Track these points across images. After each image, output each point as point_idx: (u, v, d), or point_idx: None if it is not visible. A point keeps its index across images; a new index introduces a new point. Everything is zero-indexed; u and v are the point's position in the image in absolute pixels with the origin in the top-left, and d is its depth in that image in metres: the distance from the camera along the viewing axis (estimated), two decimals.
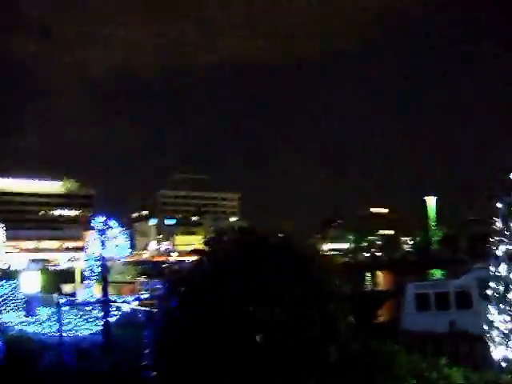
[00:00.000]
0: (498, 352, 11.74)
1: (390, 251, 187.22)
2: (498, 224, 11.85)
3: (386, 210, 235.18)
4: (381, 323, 30.21)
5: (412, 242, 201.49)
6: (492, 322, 11.85)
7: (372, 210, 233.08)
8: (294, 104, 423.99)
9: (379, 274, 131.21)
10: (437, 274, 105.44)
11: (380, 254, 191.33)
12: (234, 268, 11.87)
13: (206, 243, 13.22)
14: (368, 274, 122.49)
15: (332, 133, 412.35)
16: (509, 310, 11.66)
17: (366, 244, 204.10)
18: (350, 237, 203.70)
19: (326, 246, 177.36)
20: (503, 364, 11.58)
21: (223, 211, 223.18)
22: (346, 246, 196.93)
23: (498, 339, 11.71)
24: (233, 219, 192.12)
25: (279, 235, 12.84)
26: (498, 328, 11.67)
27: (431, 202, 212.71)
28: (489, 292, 12.35)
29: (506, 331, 11.55)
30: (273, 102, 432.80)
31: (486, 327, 12.30)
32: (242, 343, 10.97)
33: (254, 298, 11.33)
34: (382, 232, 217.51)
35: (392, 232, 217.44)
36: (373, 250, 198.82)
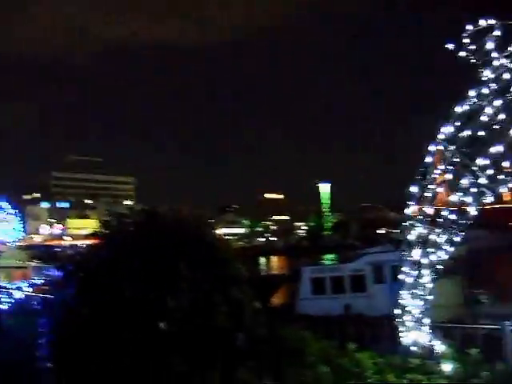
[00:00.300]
0: (409, 336, 11.89)
1: (284, 236, 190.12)
2: (412, 208, 11.89)
3: (281, 196, 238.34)
4: (276, 307, 30.37)
5: (306, 228, 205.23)
6: (404, 306, 11.96)
7: (266, 195, 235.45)
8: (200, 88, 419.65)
9: (273, 258, 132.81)
10: (328, 258, 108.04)
11: (275, 239, 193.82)
12: (134, 252, 11.48)
13: (103, 226, 12.71)
14: (262, 259, 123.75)
15: (226, 115, 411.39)
16: (421, 295, 11.75)
17: (260, 229, 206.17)
18: (245, 222, 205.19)
19: (221, 231, 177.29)
20: (413, 348, 11.76)
21: (117, 195, 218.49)
22: (241, 230, 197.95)
23: (410, 324, 11.83)
24: (127, 203, 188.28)
25: (181, 218, 12.56)
26: (410, 312, 11.78)
27: (325, 188, 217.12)
28: (401, 277, 12.45)
29: (419, 316, 11.68)
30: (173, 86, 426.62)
31: (396, 311, 12.40)
32: (143, 331, 10.64)
33: (157, 283, 11.00)
34: (276, 217, 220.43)
35: (287, 217, 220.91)
36: (267, 234, 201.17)
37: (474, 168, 10.75)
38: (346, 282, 29.19)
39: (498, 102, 10.46)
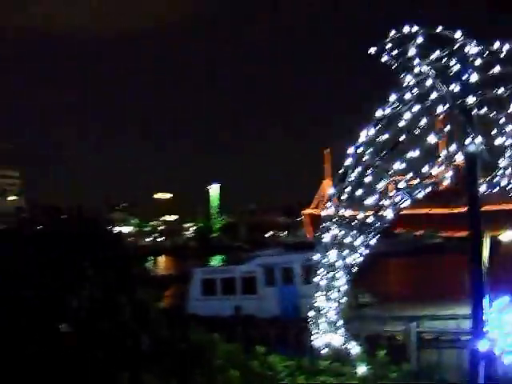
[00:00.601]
0: (322, 339, 11.75)
1: (172, 237, 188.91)
2: (330, 209, 11.70)
3: (170, 196, 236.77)
4: (165, 308, 29.94)
5: (194, 229, 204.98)
6: (319, 309, 11.79)
7: (156, 195, 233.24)
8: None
9: (160, 258, 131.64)
10: (217, 260, 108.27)
11: (163, 239, 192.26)
12: (34, 251, 10.66)
13: None
14: (150, 259, 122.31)
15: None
16: (336, 298, 11.62)
17: (148, 228, 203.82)
18: (133, 221, 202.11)
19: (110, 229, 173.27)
20: (324, 350, 11.61)
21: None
22: (128, 229, 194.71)
23: (324, 326, 11.68)
24: (11, 198, 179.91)
25: (85, 217, 11.84)
26: (324, 315, 11.61)
27: (215, 189, 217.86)
28: (316, 279, 12.30)
29: (334, 318, 11.53)
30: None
31: (310, 314, 12.22)
32: (43, 334, 9.84)
33: (59, 283, 10.25)
34: (165, 218, 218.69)
35: (175, 218, 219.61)
36: (155, 234, 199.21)
37: (391, 172, 10.74)
38: (237, 283, 29.19)
39: (416, 108, 10.46)
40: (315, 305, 11.97)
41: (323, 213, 12.04)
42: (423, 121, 10.22)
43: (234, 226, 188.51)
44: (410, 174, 10.58)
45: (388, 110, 10.72)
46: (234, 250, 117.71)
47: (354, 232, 11.49)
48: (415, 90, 10.33)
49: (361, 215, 11.40)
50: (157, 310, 11.57)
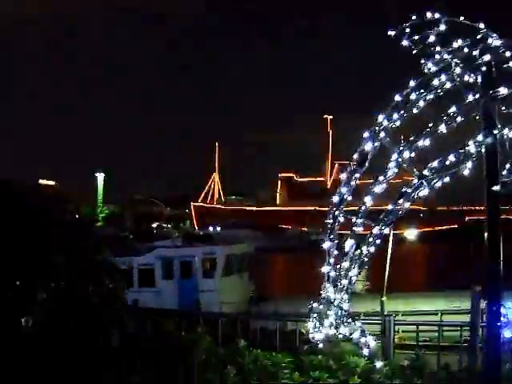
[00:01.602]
0: (323, 332, 11.28)
1: None
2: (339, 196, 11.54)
3: (53, 183, 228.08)
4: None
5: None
6: (329, 300, 11.36)
7: (41, 181, 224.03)
8: None
9: None
10: None
11: None
12: None
13: None
14: None
15: None
16: (347, 288, 11.41)
17: None
18: None
19: None
20: (322, 345, 11.26)
21: None
22: None
23: (332, 319, 11.24)
24: None
25: (43, 196, 10.36)
26: (337, 306, 11.24)
27: (100, 178, 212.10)
28: (323, 269, 11.90)
29: (347, 310, 11.27)
30: None
31: (313, 306, 11.67)
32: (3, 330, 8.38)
33: (12, 271, 8.81)
34: None
35: None
36: None
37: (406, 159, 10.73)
38: (134, 275, 27.97)
39: (430, 96, 10.51)
40: (323, 296, 11.36)
41: (334, 199, 11.81)
42: (453, 108, 10.17)
43: (119, 215, 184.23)
44: (436, 163, 10.48)
45: (413, 95, 10.66)
46: (120, 240, 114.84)
47: (369, 221, 11.39)
48: (441, 78, 10.31)
49: (368, 203, 11.37)
50: (124, 300, 10.56)
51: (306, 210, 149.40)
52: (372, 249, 11.30)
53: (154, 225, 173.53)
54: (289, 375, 11.14)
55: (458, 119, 10.22)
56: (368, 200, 11.38)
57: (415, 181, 10.72)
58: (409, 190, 10.84)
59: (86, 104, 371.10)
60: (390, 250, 21.70)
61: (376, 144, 10.93)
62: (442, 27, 10.25)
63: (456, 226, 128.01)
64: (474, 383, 10.24)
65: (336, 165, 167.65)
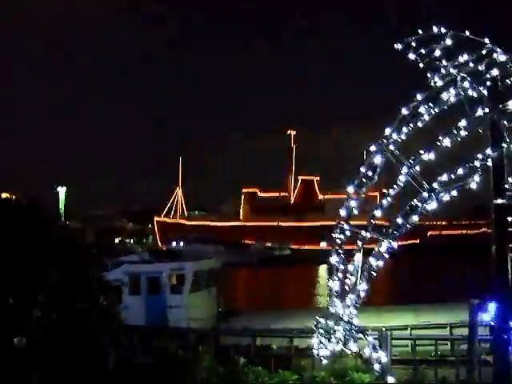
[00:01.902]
0: (329, 348, 11.05)
1: None
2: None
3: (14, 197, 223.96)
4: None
5: None
6: (338, 316, 11.15)
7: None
8: None
9: None
10: None
11: None
12: None
13: None
14: None
15: None
16: (355, 303, 11.23)
17: None
18: None
19: None
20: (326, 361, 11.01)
21: None
22: None
23: (340, 334, 11.02)
24: None
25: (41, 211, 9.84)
26: (346, 322, 11.01)
27: (62, 192, 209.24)
28: (331, 284, 11.71)
29: (356, 325, 11.04)
30: None
31: (320, 321, 11.36)
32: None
33: (16, 290, 8.32)
34: None
35: None
36: None
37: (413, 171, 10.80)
38: None
39: (437, 110, 10.85)
40: (331, 311, 11.22)
41: (342, 212, 11.83)
42: (462, 122, 10.30)
43: (80, 230, 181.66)
44: (445, 176, 10.53)
45: (423, 109, 10.69)
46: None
47: (378, 235, 11.43)
48: (451, 92, 10.31)
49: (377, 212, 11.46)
50: (120, 318, 10.12)
51: (269, 226, 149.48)
52: (381, 263, 11.19)
53: (117, 240, 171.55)
54: None
55: (462, 133, 10.25)
56: (378, 213, 11.56)
57: (425, 194, 10.67)
58: (419, 204, 10.78)
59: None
60: (360, 264, 21.69)
61: (383, 158, 10.92)
62: (448, 41, 10.32)
63: (418, 241, 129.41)
64: None
65: (300, 180, 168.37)
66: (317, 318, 11.51)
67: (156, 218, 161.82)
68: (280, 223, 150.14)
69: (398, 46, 10.83)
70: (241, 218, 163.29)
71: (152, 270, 28.08)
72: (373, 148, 11.19)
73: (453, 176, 10.41)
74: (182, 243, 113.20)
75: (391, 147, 11.02)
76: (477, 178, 10.23)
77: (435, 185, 10.64)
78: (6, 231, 9.28)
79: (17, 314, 8.76)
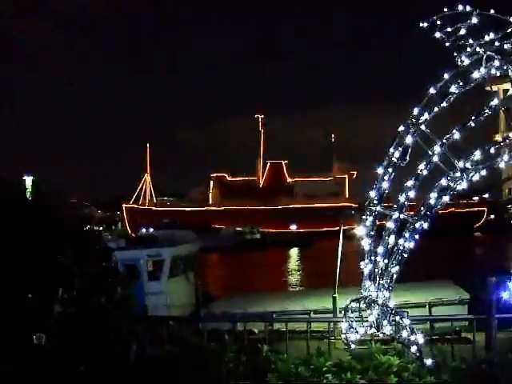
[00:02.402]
0: (359, 333, 10.93)
1: None
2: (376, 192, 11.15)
3: None
4: None
5: None
6: (371, 299, 10.99)
7: None
8: None
9: None
10: None
11: None
12: None
13: None
14: None
15: None
16: (389, 286, 11.07)
17: None
18: None
19: None
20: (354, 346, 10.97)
21: None
22: None
23: (372, 318, 10.95)
24: None
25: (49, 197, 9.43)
26: (382, 305, 10.88)
27: (28, 180, 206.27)
28: (362, 266, 11.58)
29: (392, 307, 10.90)
30: None
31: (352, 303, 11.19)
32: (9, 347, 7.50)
33: (22, 280, 7.94)
34: None
35: None
36: None
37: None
38: None
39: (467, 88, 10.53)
40: (364, 294, 10.99)
41: (371, 194, 11.36)
42: (494, 101, 9.99)
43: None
44: (478, 155, 10.32)
45: (453, 88, 10.63)
46: None
47: (410, 216, 11.03)
48: (481, 70, 10.11)
49: (402, 197, 10.96)
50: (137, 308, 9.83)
51: (239, 209, 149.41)
52: (411, 244, 10.99)
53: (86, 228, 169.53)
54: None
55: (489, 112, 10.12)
56: (411, 194, 11.06)
57: (457, 174, 10.53)
58: (451, 184, 10.64)
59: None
60: (340, 247, 21.61)
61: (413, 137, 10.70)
62: (474, 20, 10.21)
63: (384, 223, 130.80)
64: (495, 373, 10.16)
65: (268, 164, 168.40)
66: (347, 301, 11.30)
67: (124, 205, 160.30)
68: (249, 206, 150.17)
69: (424, 25, 10.69)
70: (210, 202, 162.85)
71: (129, 257, 27.58)
72: (401, 128, 10.93)
73: (481, 156, 10.32)
74: (151, 229, 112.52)
75: (422, 127, 10.80)
76: (506, 157, 10.16)
77: (468, 164, 10.44)
78: (21, 222, 8.88)
79: (36, 310, 8.42)
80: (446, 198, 10.77)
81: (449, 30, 10.57)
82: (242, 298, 28.22)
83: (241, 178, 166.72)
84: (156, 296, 25.82)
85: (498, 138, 10.44)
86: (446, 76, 10.71)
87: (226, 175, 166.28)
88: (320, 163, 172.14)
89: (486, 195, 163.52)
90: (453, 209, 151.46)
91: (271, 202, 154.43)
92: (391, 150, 11.18)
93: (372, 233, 11.46)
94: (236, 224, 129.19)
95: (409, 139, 10.88)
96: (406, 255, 11.06)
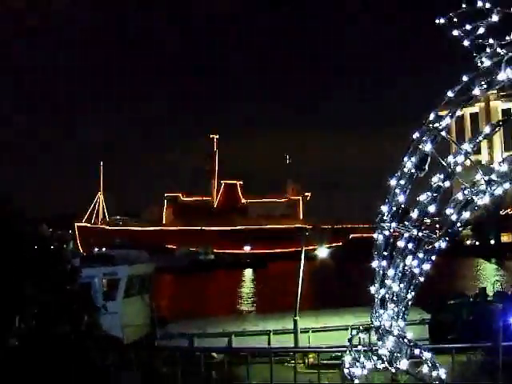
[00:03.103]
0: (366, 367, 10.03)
1: None
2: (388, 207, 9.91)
3: None
4: None
5: None
6: (383, 328, 9.91)
7: None
8: None
9: None
10: None
11: None
12: None
13: None
14: None
15: None
16: (403, 313, 9.88)
17: None
18: None
19: None
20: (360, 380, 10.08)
21: None
22: None
23: (384, 351, 9.91)
24: None
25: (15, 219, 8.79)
26: (398, 336, 9.74)
27: None
28: (373, 290, 10.15)
29: (410, 339, 9.87)
30: None
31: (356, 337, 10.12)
32: None
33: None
34: None
35: None
36: None
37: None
38: None
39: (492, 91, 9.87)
40: (375, 324, 9.79)
41: (383, 209, 10.07)
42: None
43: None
44: (505, 167, 9.41)
45: (476, 91, 9.53)
46: None
47: (430, 234, 9.78)
48: (508, 72, 9.27)
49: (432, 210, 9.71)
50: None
51: (193, 230, 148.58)
52: (427, 266, 9.82)
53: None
54: None
55: None
56: (431, 209, 9.77)
57: (482, 187, 9.44)
58: (474, 197, 9.48)
59: None
60: (301, 268, 21.50)
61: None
62: (494, 18, 9.55)
63: (341, 244, 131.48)
64: None
65: (222, 184, 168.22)
66: (353, 331, 10.37)
67: (77, 224, 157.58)
68: (203, 227, 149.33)
69: (440, 21, 9.85)
70: (164, 222, 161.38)
71: (83, 275, 26.86)
72: (416, 135, 9.82)
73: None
74: (104, 249, 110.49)
75: (443, 133, 9.73)
76: None
77: (494, 176, 9.36)
78: None
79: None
80: (467, 214, 9.70)
81: (467, 27, 9.85)
82: (199, 320, 27.91)
83: (195, 198, 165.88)
84: (111, 316, 25.21)
85: None
86: (464, 78, 9.74)
87: (181, 195, 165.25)
88: (275, 184, 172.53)
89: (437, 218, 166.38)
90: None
91: (225, 222, 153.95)
92: (405, 159, 10.04)
93: (385, 253, 9.93)
94: (190, 244, 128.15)
95: (428, 146, 9.76)
96: (422, 279, 9.76)
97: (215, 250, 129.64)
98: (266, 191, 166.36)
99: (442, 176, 9.69)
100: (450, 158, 9.59)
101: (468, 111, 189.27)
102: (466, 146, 9.65)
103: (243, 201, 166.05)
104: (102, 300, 25.96)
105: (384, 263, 9.79)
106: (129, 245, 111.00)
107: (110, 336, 21.96)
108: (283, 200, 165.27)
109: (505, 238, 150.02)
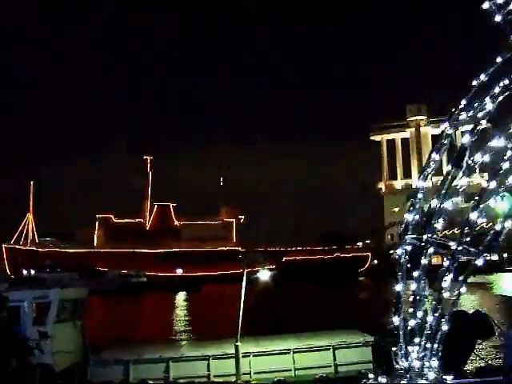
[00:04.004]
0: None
1: None
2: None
3: None
4: None
5: None
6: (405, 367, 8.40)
7: None
8: None
9: None
10: None
11: None
12: None
13: None
14: None
15: None
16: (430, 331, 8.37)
17: None
18: None
19: None
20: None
21: None
22: None
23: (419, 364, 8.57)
24: None
25: None
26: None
27: None
28: (395, 320, 8.79)
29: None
30: None
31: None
32: None
33: None
34: None
35: None
36: None
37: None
38: None
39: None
40: (404, 365, 8.29)
41: (408, 217, 8.64)
42: None
43: None
44: None
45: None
46: None
47: (473, 249, 8.29)
48: None
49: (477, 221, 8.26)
50: None
51: (124, 252, 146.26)
52: (464, 289, 8.45)
53: None
54: None
55: None
56: (474, 216, 8.15)
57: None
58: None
59: None
60: (243, 292, 21.26)
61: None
62: None
63: (275, 267, 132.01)
64: None
65: (155, 206, 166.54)
66: (369, 374, 8.81)
67: (4, 245, 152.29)
68: (135, 250, 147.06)
69: (486, 6, 8.90)
70: (95, 244, 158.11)
71: (11, 299, 25.77)
72: (445, 125, 8.54)
73: None
74: (32, 271, 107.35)
75: (483, 122, 8.42)
76: None
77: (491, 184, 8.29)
78: None
79: None
80: (508, 224, 8.24)
81: (499, 1, 8.87)
82: (134, 345, 27.37)
83: (127, 220, 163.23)
84: (43, 341, 24.24)
85: None
86: (498, 60, 8.71)
87: (112, 216, 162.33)
88: (208, 207, 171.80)
89: (368, 241, 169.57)
90: (338, 254, 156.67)
91: (158, 244, 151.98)
92: (433, 155, 8.74)
93: (415, 273, 8.44)
94: (121, 267, 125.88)
95: (466, 139, 8.24)
96: (455, 307, 8.44)
97: (147, 273, 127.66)
98: (201, 213, 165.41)
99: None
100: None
101: (399, 136, 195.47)
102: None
103: (176, 223, 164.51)
104: (31, 325, 25.00)
105: (413, 286, 8.30)
106: (59, 267, 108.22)
107: (40, 363, 21.09)
108: (217, 222, 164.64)
109: None
